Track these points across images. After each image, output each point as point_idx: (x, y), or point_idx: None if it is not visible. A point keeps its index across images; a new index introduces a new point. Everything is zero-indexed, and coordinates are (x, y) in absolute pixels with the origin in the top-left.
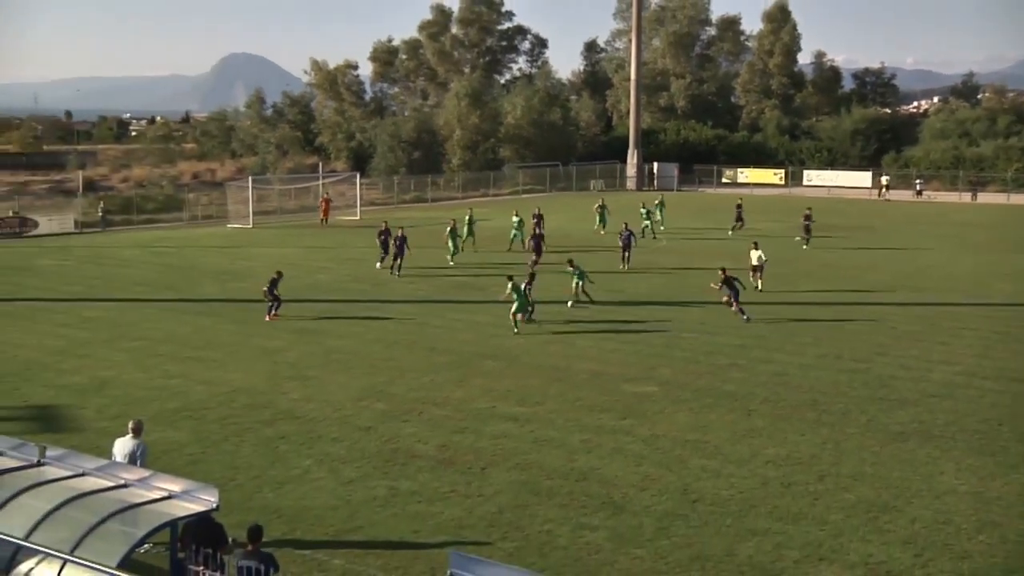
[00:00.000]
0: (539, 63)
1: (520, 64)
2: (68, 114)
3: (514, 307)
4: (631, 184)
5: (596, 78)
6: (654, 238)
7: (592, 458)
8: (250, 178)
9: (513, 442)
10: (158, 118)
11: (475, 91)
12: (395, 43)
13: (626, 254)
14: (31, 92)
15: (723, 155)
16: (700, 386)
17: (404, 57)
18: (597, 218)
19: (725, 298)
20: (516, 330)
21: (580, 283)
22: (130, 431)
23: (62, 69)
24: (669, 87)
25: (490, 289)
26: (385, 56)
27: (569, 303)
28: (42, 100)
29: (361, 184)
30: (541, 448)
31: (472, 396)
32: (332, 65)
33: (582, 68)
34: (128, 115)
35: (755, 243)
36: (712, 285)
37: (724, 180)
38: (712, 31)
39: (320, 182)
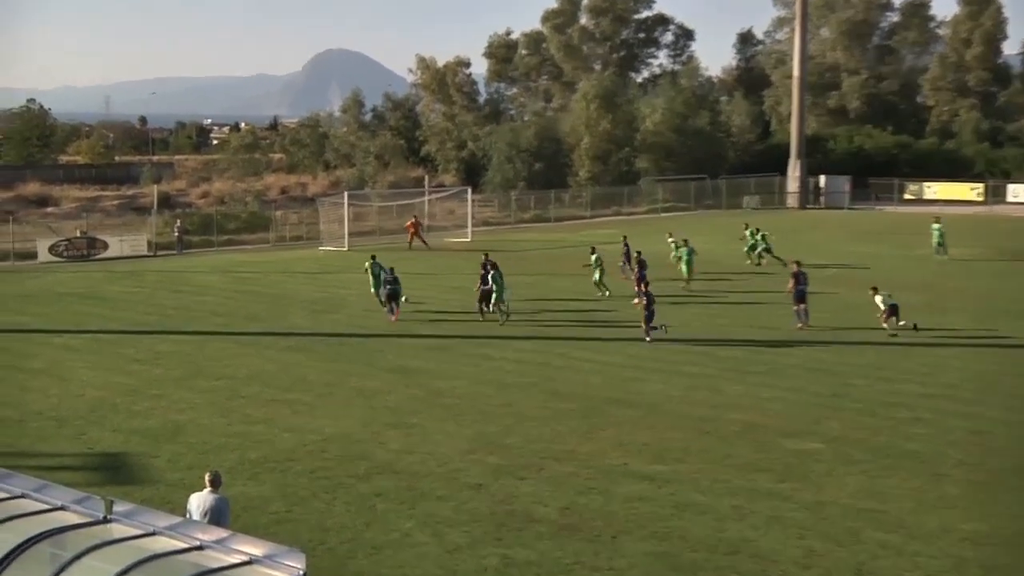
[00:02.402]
0: (684, 58)
1: (661, 60)
2: (142, 120)
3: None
4: (792, 201)
5: (752, 76)
6: (758, 264)
7: (744, 527)
8: (345, 193)
9: (649, 506)
10: (242, 124)
11: (607, 92)
12: (514, 36)
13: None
14: (102, 95)
15: (906, 166)
16: (876, 444)
17: (524, 53)
18: (747, 245)
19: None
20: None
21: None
22: (207, 484)
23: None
24: (840, 85)
25: (624, 325)
26: (502, 52)
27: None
28: (114, 104)
29: (473, 201)
30: (683, 514)
31: (601, 450)
32: (441, 62)
33: (735, 64)
34: (209, 121)
35: (874, 288)
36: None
37: (907, 196)
38: (894, 17)
39: (426, 198)
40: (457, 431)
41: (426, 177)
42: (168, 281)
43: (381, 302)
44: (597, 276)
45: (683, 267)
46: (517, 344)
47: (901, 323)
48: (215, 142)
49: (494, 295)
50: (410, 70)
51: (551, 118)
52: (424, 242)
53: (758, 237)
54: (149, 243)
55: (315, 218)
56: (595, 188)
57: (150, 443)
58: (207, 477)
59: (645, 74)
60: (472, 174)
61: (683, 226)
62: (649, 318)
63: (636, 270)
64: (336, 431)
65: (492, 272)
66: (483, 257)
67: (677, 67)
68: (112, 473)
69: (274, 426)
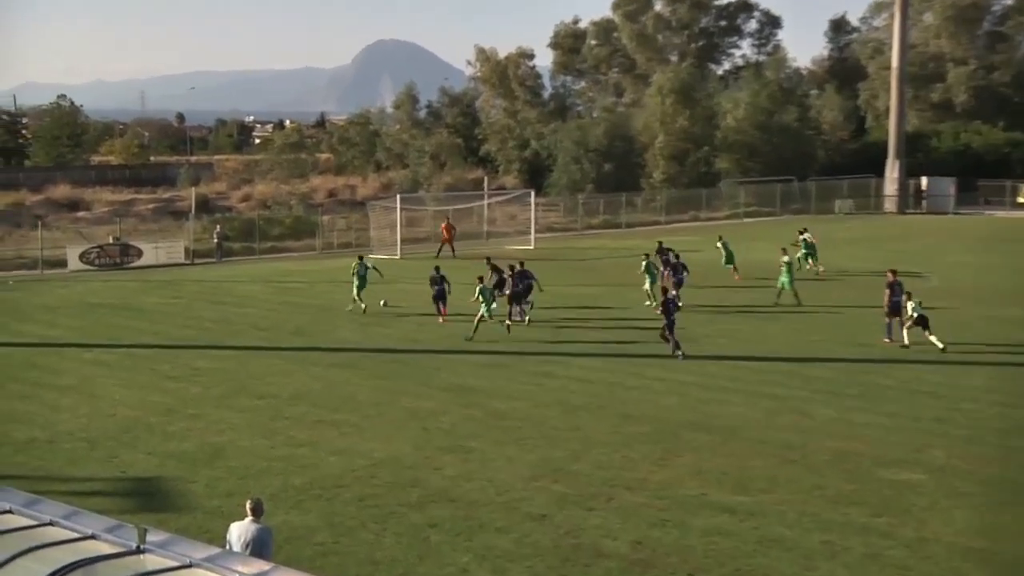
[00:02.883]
0: (769, 48)
1: (744, 50)
2: (180, 117)
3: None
4: (890, 205)
5: (845, 67)
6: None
7: (836, 566)
8: (398, 196)
9: (730, 541)
10: (287, 122)
11: (684, 85)
12: (582, 25)
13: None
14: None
15: (1019, 166)
16: (987, 475)
17: (593, 43)
18: (799, 253)
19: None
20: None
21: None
22: (248, 512)
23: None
24: (945, 77)
25: (703, 341)
26: (569, 42)
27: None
28: (150, 99)
29: (536, 204)
30: (767, 550)
31: (677, 479)
32: (502, 54)
33: (826, 54)
34: (251, 118)
35: (907, 294)
36: None
37: (1020, 200)
38: (1008, 0)
39: (485, 202)
40: (518, 456)
41: (485, 179)
42: (207, 292)
43: (356, 299)
44: (647, 284)
45: (783, 279)
46: (583, 361)
47: (931, 337)
48: (257, 141)
49: (482, 307)
50: (468, 62)
51: (622, 114)
52: (452, 249)
53: (806, 236)
54: (186, 250)
55: (365, 224)
56: (670, 191)
57: (186, 467)
58: (248, 505)
59: (726, 66)
60: (535, 175)
61: (768, 233)
62: (669, 327)
63: (669, 274)
64: (387, 455)
65: (488, 281)
66: (486, 262)
67: (762, 58)
68: (146, 499)
69: (320, 449)
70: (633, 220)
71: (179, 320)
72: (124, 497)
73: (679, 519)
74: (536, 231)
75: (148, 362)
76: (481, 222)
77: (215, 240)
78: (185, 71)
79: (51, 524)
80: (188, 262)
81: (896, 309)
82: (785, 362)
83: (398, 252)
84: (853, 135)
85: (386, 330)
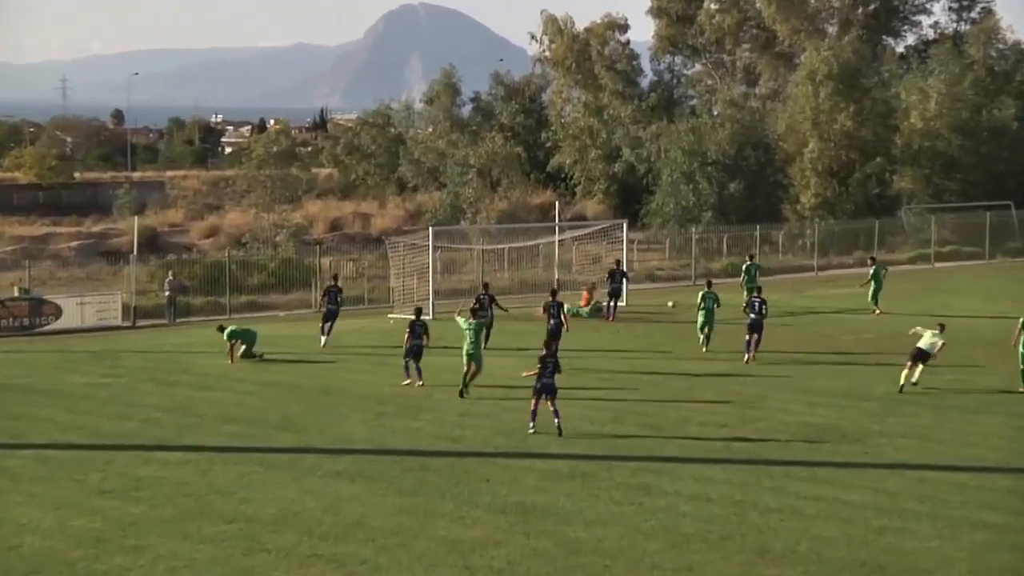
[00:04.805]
0: (975, 14)
1: (936, 16)
2: (118, 116)
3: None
4: None
5: None
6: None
7: None
8: (431, 229)
9: None
10: (271, 121)
11: (847, 69)
12: None
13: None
14: (55, 76)
15: None
16: None
17: (714, 8)
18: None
19: None
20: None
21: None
22: None
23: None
24: None
25: (875, 441)
26: (679, 7)
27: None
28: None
29: (631, 242)
30: None
31: None
32: (581, 25)
33: None
34: (219, 117)
35: (941, 325)
36: None
37: None
38: None
39: (556, 238)
40: None
41: (557, 205)
42: (155, 367)
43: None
44: (703, 333)
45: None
46: (699, 470)
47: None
48: (229, 150)
49: (469, 357)
50: (533, 37)
51: (755, 111)
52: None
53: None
54: (125, 308)
55: (383, 268)
56: (827, 222)
57: None
58: None
59: (909, 40)
60: (629, 200)
61: (974, 284)
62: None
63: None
64: None
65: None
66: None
67: (963, 28)
68: None
69: None
70: (772, 264)
71: (115, 408)
72: None
73: None
74: (630, 280)
75: (70, 469)
76: (550, 267)
77: (167, 293)
78: (125, 50)
79: None
80: (128, 324)
81: None
82: (1003, 474)
83: (430, 310)
84: None
85: (413, 423)
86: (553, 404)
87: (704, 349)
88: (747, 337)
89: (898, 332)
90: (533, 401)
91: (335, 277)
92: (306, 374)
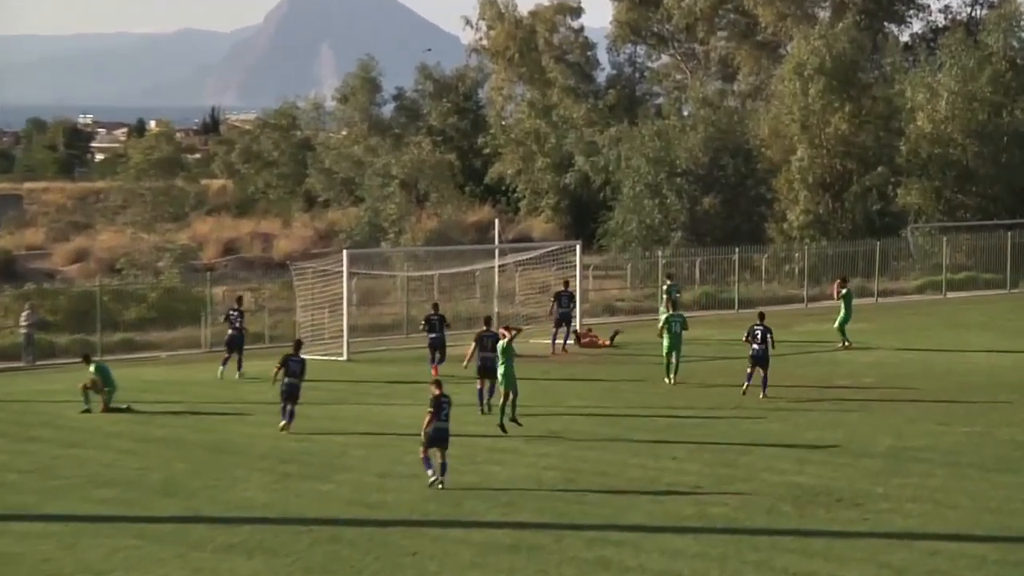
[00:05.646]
0: None
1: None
2: None
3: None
4: None
5: None
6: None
7: None
8: (345, 253)
9: None
10: (151, 123)
11: (842, 61)
12: None
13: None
14: None
15: None
16: None
17: None
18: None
19: None
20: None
21: None
22: None
23: None
24: None
25: (876, 504)
26: None
27: None
28: None
29: (586, 268)
30: None
31: None
32: (525, 7)
33: None
34: (88, 117)
35: None
36: None
37: None
38: None
39: (496, 263)
40: None
41: (497, 223)
42: (10, 419)
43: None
44: (666, 344)
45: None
46: (668, 541)
47: None
48: (100, 157)
49: (499, 381)
50: (467, 22)
51: (733, 111)
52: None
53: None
54: None
55: (288, 299)
56: (819, 244)
57: None
58: None
59: (916, 27)
60: (583, 217)
61: (991, 317)
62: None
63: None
64: None
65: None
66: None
67: (978, 13)
68: None
69: None
70: (754, 296)
71: None
72: None
73: None
74: (585, 312)
75: None
76: (489, 297)
77: (24, 330)
78: None
79: None
80: None
81: None
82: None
83: (344, 350)
84: None
85: (323, 485)
86: (443, 456)
87: (670, 380)
88: (748, 370)
89: (903, 375)
90: (422, 450)
91: (239, 300)
92: (195, 428)
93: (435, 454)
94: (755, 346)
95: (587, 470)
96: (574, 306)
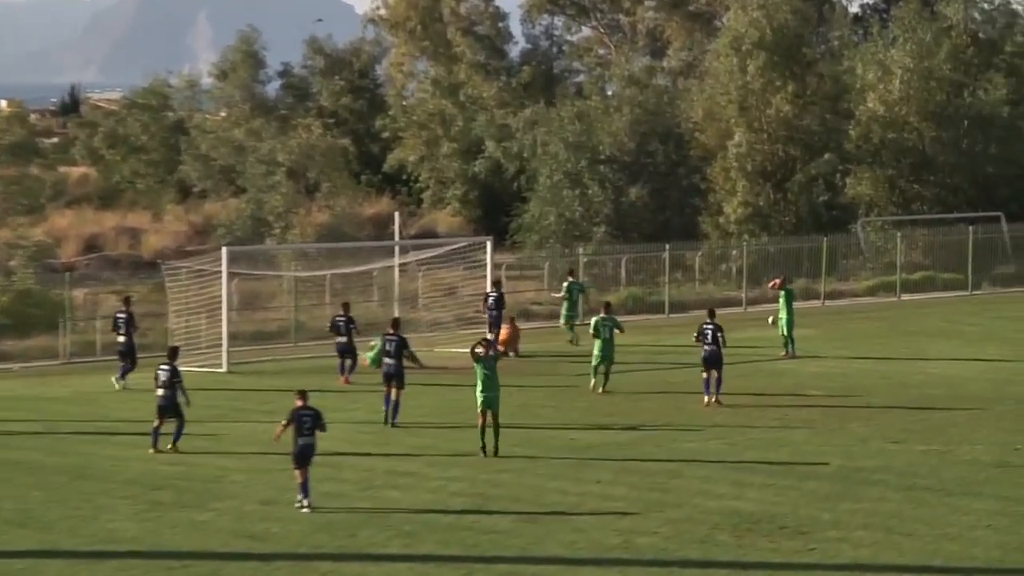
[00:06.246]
0: None
1: None
2: None
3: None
4: None
5: None
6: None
7: None
8: (224, 250)
9: None
10: (1, 103)
11: (783, 34)
12: None
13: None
14: None
15: None
16: None
17: None
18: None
19: None
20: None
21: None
22: None
23: None
24: None
25: (824, 532)
26: None
27: None
28: None
29: (499, 267)
30: None
31: None
32: None
33: None
34: None
35: None
36: None
37: None
38: None
39: (396, 261)
40: None
41: (397, 216)
42: None
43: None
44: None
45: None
46: (592, 574)
47: None
48: None
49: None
50: None
51: (663, 91)
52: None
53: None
54: None
55: (160, 302)
56: (759, 240)
57: None
58: None
59: None
60: (495, 209)
61: (950, 323)
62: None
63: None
64: None
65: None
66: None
67: None
68: None
69: None
70: (687, 297)
71: None
72: None
73: None
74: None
75: None
76: (388, 300)
77: None
78: None
79: None
80: None
81: None
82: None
83: (224, 361)
84: None
85: (200, 514)
86: (304, 474)
87: (601, 389)
88: (704, 374)
89: (853, 387)
90: (297, 472)
91: (126, 301)
92: (53, 450)
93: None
94: (707, 347)
95: (499, 495)
96: (503, 309)
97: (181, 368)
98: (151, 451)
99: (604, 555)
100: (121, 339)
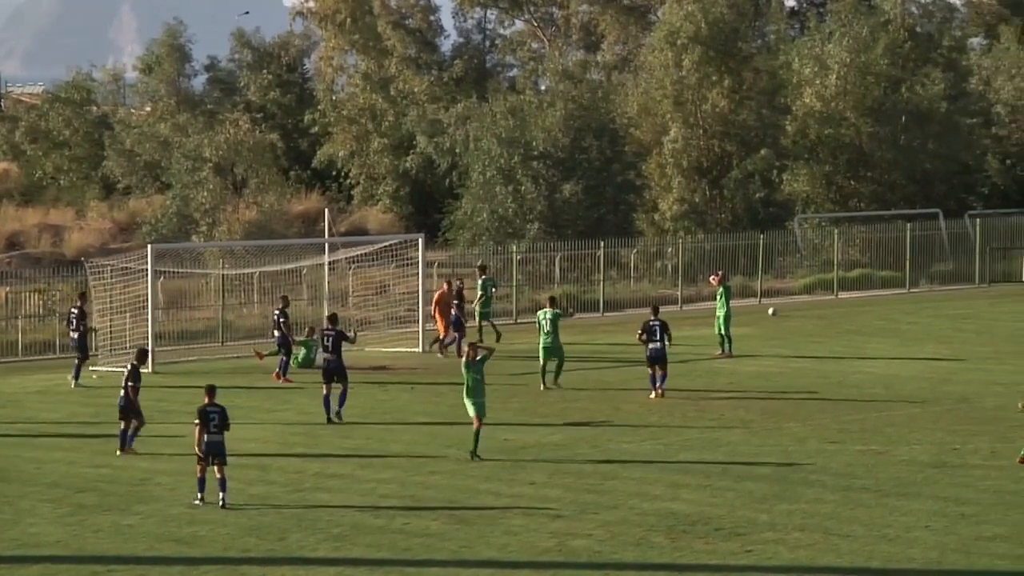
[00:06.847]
0: None
1: None
2: None
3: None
4: None
5: None
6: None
7: None
8: (149, 248)
9: None
10: None
11: (719, 28)
12: None
13: None
14: None
15: None
16: None
17: None
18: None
19: None
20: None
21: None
22: None
23: None
24: None
25: (760, 533)
26: None
27: None
28: None
29: (430, 264)
30: None
31: None
32: None
33: None
34: None
35: None
36: None
37: None
38: None
39: (326, 259)
40: None
41: (327, 213)
42: None
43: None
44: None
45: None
46: None
47: None
48: None
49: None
50: None
51: (597, 85)
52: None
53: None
54: None
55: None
56: (695, 238)
57: None
58: None
59: None
60: (427, 206)
61: (888, 322)
62: None
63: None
64: None
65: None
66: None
67: None
68: None
69: None
70: (622, 295)
71: None
72: None
73: None
74: (428, 315)
75: None
76: (318, 298)
77: None
78: None
79: None
80: None
81: None
82: None
83: (149, 364)
84: None
85: (125, 518)
86: (221, 471)
87: (551, 383)
88: (650, 371)
89: (790, 387)
90: (199, 468)
91: (81, 296)
92: None
93: (212, 471)
94: (652, 344)
95: (431, 497)
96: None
97: (105, 369)
98: (118, 453)
99: (538, 558)
100: (74, 335)
